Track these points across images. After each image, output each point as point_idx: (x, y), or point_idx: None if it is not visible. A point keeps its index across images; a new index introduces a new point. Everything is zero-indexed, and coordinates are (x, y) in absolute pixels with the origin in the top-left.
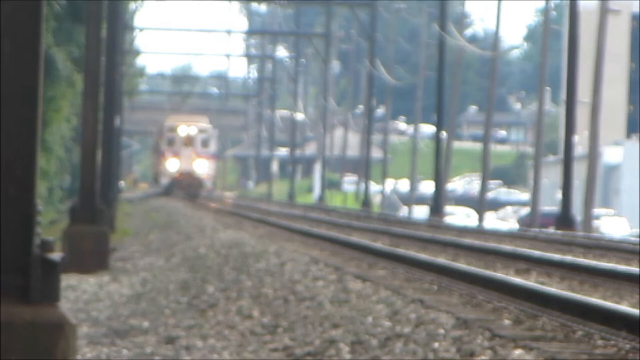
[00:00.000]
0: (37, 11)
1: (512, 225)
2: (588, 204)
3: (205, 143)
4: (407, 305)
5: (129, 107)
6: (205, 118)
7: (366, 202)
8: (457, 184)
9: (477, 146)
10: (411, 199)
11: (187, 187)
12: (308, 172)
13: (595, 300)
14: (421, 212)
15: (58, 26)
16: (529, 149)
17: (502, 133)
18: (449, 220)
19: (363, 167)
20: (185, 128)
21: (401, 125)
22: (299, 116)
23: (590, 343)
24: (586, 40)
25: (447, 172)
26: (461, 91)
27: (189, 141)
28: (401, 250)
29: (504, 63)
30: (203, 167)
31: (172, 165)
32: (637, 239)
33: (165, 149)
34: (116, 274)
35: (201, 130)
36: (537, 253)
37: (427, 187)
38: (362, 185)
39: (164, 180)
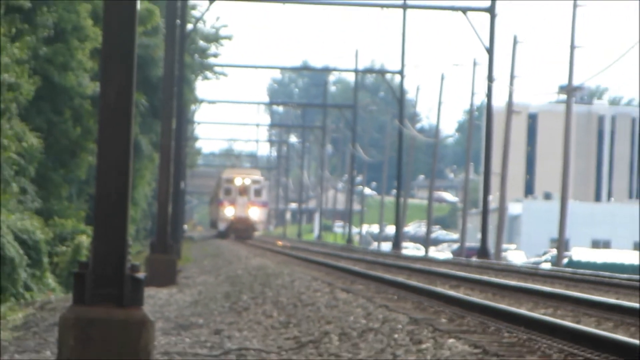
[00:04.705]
0: (128, 112)
1: (447, 255)
2: (498, 241)
3: (258, 193)
4: (377, 309)
5: (190, 175)
6: (257, 171)
7: (349, 239)
8: (411, 228)
9: (424, 202)
10: (379, 237)
11: (241, 230)
12: (310, 219)
13: (502, 305)
14: (386, 246)
15: (142, 120)
16: (459, 205)
17: (442, 195)
18: (404, 252)
19: (347, 216)
20: (241, 179)
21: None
22: (305, 181)
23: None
24: (497, 131)
25: (404, 220)
26: (413, 166)
27: (243, 191)
28: (372, 272)
29: (442, 146)
30: (256, 214)
31: (229, 211)
32: (533, 265)
33: (223, 198)
34: (181, 287)
35: (254, 181)
36: (464, 274)
37: (391, 229)
38: (347, 228)
39: (222, 225)
